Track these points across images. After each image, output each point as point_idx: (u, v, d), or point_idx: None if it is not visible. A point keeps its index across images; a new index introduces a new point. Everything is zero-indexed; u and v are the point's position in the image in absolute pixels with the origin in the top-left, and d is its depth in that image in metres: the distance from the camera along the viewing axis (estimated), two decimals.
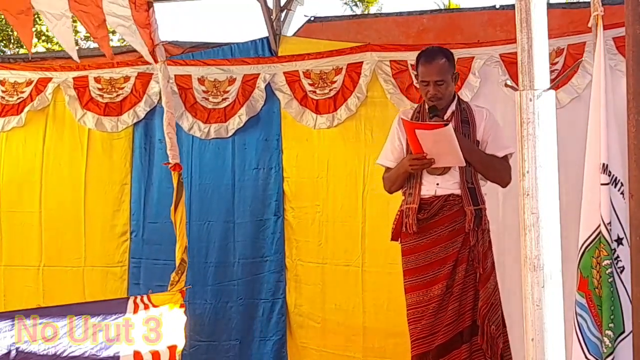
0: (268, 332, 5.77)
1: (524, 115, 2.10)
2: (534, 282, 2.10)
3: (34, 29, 13.66)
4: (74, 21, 4.86)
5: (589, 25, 2.88)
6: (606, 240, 2.76)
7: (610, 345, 2.74)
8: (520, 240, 2.13)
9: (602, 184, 2.77)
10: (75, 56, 4.84)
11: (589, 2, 2.99)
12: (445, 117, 4.12)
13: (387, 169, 4.31)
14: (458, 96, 4.27)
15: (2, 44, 13.87)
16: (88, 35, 14.48)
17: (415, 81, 5.35)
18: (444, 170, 4.06)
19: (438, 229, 4.06)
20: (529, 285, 2.10)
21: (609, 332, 2.75)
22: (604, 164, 2.76)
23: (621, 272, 2.71)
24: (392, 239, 4.22)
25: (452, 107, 4.16)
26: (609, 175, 2.75)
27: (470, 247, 4.01)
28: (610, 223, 2.75)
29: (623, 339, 2.71)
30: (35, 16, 4.89)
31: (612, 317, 2.75)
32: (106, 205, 6.03)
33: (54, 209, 6.10)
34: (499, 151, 4.11)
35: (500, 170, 4.11)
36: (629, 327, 2.68)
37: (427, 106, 4.18)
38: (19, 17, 4.36)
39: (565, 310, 2.15)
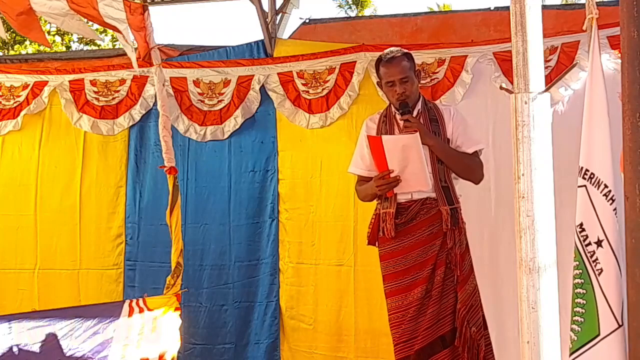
0: (261, 335, 5.76)
1: (519, 118, 2.10)
2: (530, 284, 2.10)
3: None
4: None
5: (584, 27, 2.88)
6: (574, 242, 2.77)
7: (572, 346, 2.74)
8: (515, 242, 2.14)
9: (578, 186, 2.78)
10: (97, 38, 4.83)
11: (583, 4, 2.99)
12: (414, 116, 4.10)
13: (360, 178, 4.30)
14: (424, 96, 4.26)
15: None
16: (81, 37, 14.47)
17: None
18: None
19: (416, 233, 4.02)
20: (524, 288, 2.10)
21: (571, 334, 2.75)
22: (581, 167, 2.76)
23: (599, 274, 2.70)
24: (369, 244, 4.19)
25: (419, 106, 4.14)
26: (585, 178, 2.75)
27: (448, 250, 3.98)
28: (582, 225, 2.75)
29: (597, 342, 2.70)
30: None
31: (575, 318, 2.74)
32: (101, 207, 6.02)
33: (49, 211, 6.09)
34: (469, 147, 4.08)
35: (471, 166, 4.08)
36: (604, 330, 2.68)
37: (392, 108, 4.16)
38: (18, 18, 4.35)
39: (560, 312, 2.15)
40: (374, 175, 4.12)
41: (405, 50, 4.21)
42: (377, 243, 4.15)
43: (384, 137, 3.98)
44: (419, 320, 3.97)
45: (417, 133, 3.90)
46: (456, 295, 3.97)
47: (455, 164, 4.05)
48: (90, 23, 4.75)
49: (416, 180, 3.94)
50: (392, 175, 3.95)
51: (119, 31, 4.61)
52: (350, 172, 4.36)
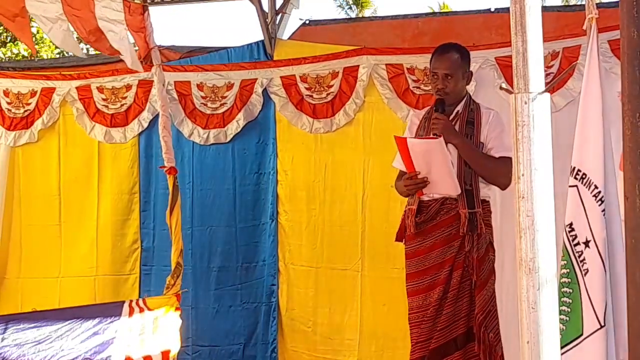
0: (266, 336, 5.78)
1: (519, 118, 2.10)
2: (530, 284, 2.09)
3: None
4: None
5: (584, 27, 2.88)
6: (563, 242, 2.77)
7: None
8: (515, 242, 2.14)
9: (569, 186, 2.78)
10: (79, 53, 4.83)
11: (584, 5, 2.99)
12: (451, 117, 4.11)
13: (400, 172, 4.32)
14: (470, 96, 4.24)
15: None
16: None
17: (411, 85, 5.36)
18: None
19: (436, 232, 4.06)
20: (524, 288, 2.10)
21: None
22: (573, 167, 2.77)
23: (585, 274, 2.71)
24: (396, 240, 4.24)
25: (459, 107, 4.14)
26: (576, 178, 2.76)
27: (465, 253, 3.99)
28: (571, 224, 2.75)
29: (580, 342, 2.70)
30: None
31: (560, 317, 2.72)
32: (117, 215, 6.06)
33: (72, 221, 6.13)
34: (497, 152, 4.06)
35: (495, 170, 4.05)
36: (587, 330, 2.68)
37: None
38: (16, 19, 4.34)
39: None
40: None
41: (464, 49, 4.20)
42: (404, 240, 4.19)
43: (409, 140, 3.99)
44: (436, 320, 4.01)
45: (441, 138, 3.91)
46: (471, 298, 3.99)
47: (478, 166, 4.05)
48: (76, 35, 4.75)
49: (444, 184, 3.97)
50: (419, 176, 3.97)
51: (102, 48, 4.61)
52: (394, 166, 4.38)
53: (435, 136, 3.96)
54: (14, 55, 13.13)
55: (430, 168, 3.94)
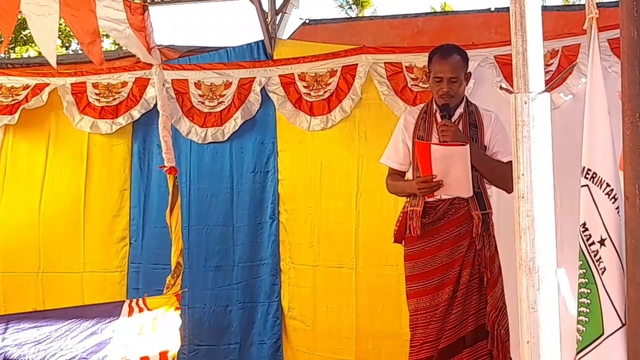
0: (265, 336, 5.77)
1: (519, 118, 2.10)
2: (529, 284, 2.09)
3: (27, 32, 13.63)
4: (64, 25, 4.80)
5: (584, 27, 2.88)
6: (579, 242, 2.77)
7: (577, 346, 2.74)
8: (515, 242, 2.14)
9: (581, 186, 2.78)
10: (53, 62, 4.75)
11: (584, 5, 2.99)
12: (453, 119, 4.10)
13: (392, 171, 4.31)
14: (467, 98, 4.25)
15: None
16: None
17: (410, 83, 5.36)
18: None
19: (444, 233, 4.05)
20: (524, 288, 2.10)
21: (576, 334, 2.75)
22: (583, 167, 2.77)
23: (602, 273, 2.70)
24: (395, 241, 4.21)
25: (460, 109, 4.13)
26: (587, 178, 2.76)
27: (477, 251, 4.00)
28: (584, 224, 2.75)
29: (602, 342, 2.70)
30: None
31: (579, 318, 2.74)
32: (106, 211, 6.02)
33: (53, 216, 6.07)
34: (505, 157, 4.05)
35: (504, 176, 3.99)
36: (608, 329, 2.68)
37: (434, 105, 4.16)
38: (9, 21, 4.32)
39: (560, 312, 2.15)
40: (405, 168, 4.20)
41: (463, 50, 4.19)
42: (403, 242, 4.17)
43: (433, 147, 3.96)
44: (445, 320, 4.01)
45: (467, 145, 3.89)
46: (480, 296, 4.01)
47: (488, 172, 4.06)
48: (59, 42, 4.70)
49: (458, 186, 3.96)
50: (435, 179, 3.95)
51: (92, 53, 4.57)
52: (383, 163, 4.37)
53: (462, 143, 3.93)
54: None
55: (448, 172, 3.93)
